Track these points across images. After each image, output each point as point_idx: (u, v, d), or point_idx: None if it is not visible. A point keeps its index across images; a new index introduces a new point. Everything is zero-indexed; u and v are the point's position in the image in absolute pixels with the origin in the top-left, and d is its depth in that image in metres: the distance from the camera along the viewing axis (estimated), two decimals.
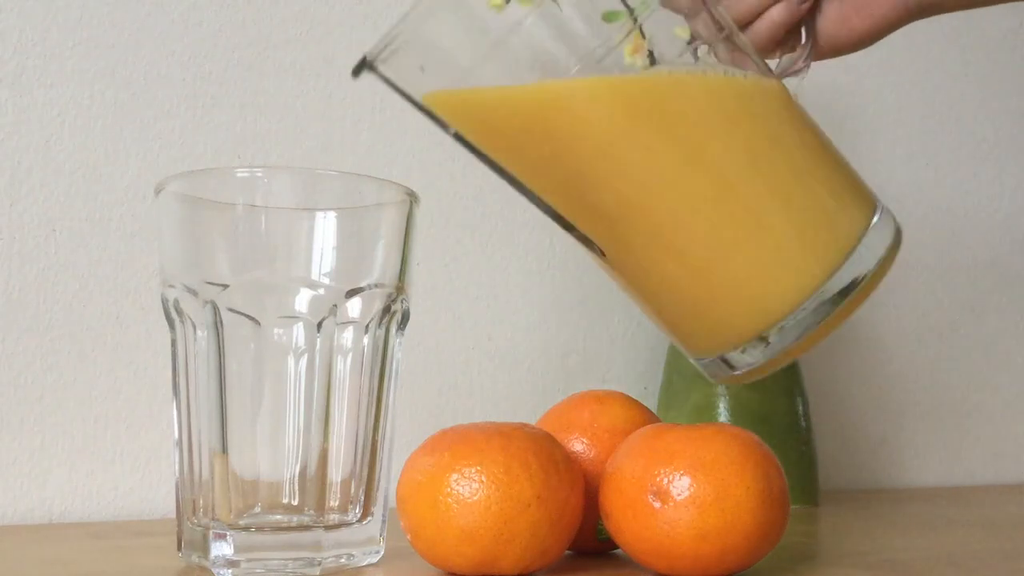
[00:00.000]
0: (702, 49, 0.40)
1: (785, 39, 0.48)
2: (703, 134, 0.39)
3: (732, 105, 0.40)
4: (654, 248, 0.40)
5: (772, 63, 0.48)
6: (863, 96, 0.90)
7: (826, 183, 0.40)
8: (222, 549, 0.42)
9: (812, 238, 0.39)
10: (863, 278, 0.39)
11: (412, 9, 0.36)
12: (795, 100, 0.42)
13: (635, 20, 0.38)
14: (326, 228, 0.44)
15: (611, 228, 0.41)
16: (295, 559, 0.42)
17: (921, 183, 0.91)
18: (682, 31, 0.40)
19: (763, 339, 0.40)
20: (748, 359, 0.41)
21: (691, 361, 0.44)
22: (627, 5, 0.38)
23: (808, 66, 0.47)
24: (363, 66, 0.38)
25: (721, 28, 0.41)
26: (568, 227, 0.42)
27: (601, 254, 0.43)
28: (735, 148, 0.39)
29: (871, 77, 0.90)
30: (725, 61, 0.40)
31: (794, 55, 0.48)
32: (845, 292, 0.39)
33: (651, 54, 0.39)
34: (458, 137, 0.40)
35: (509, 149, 0.40)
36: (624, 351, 0.77)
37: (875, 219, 0.40)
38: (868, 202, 0.41)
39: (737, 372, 0.41)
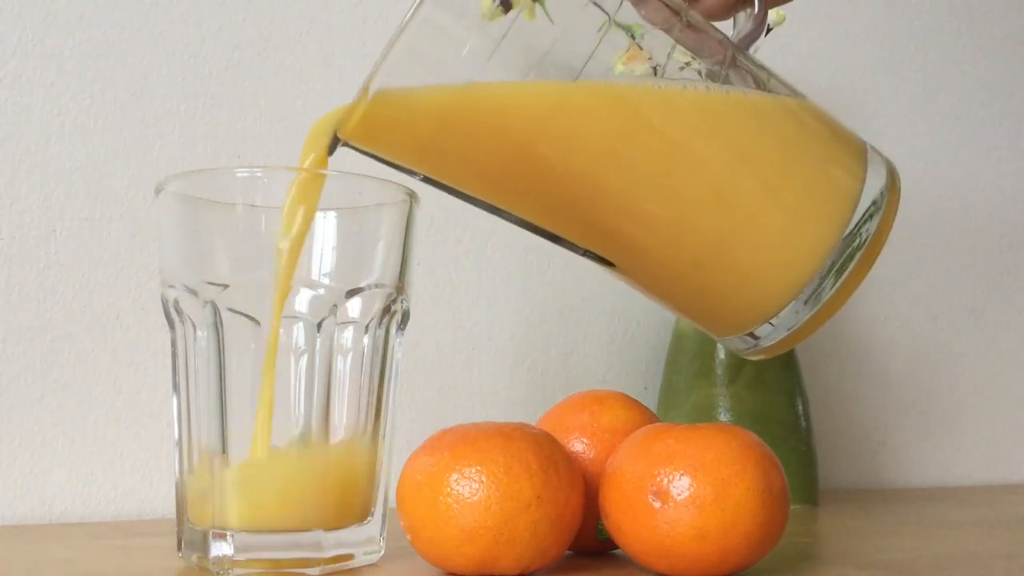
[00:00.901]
0: (702, 68, 0.41)
1: (735, 4, 0.48)
2: (702, 131, 0.40)
3: (723, 106, 0.40)
4: (674, 243, 0.41)
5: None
6: (863, 95, 0.90)
7: (829, 149, 0.43)
8: (222, 549, 0.42)
9: (823, 200, 0.41)
10: (875, 211, 0.42)
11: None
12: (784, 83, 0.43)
13: (630, 35, 0.39)
14: (326, 228, 0.44)
15: (615, 236, 0.41)
16: (295, 559, 0.42)
17: (922, 182, 0.91)
18: (681, 55, 0.41)
19: (802, 299, 0.41)
20: (786, 324, 0.41)
21: (719, 340, 0.45)
22: (620, 24, 0.39)
23: (765, 24, 0.48)
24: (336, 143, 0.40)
25: (673, 10, 0.41)
26: (571, 246, 0.43)
27: (610, 265, 0.43)
28: (730, 147, 0.40)
29: (871, 76, 0.90)
30: (684, 43, 0.41)
31: (747, 16, 0.48)
32: (861, 241, 0.41)
33: (655, 69, 0.39)
34: (428, 180, 0.41)
35: (501, 161, 0.40)
36: (624, 351, 0.77)
37: (869, 166, 0.43)
38: (861, 153, 0.43)
39: (771, 342, 0.43)
